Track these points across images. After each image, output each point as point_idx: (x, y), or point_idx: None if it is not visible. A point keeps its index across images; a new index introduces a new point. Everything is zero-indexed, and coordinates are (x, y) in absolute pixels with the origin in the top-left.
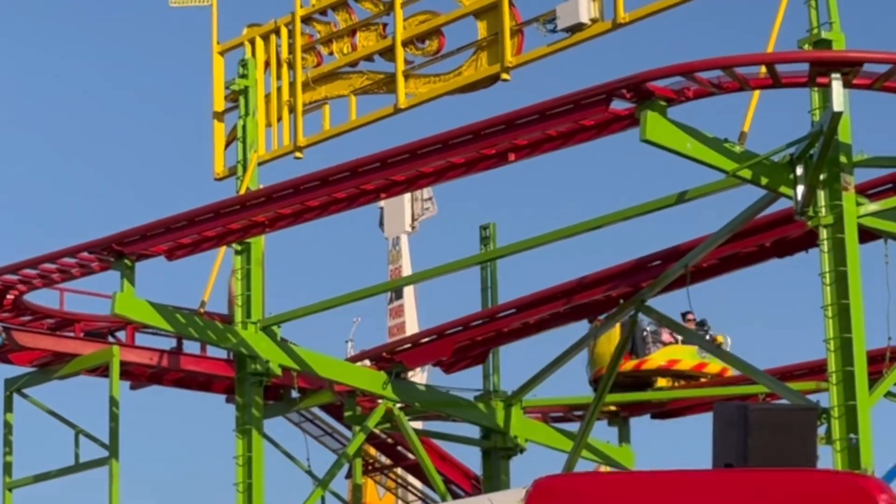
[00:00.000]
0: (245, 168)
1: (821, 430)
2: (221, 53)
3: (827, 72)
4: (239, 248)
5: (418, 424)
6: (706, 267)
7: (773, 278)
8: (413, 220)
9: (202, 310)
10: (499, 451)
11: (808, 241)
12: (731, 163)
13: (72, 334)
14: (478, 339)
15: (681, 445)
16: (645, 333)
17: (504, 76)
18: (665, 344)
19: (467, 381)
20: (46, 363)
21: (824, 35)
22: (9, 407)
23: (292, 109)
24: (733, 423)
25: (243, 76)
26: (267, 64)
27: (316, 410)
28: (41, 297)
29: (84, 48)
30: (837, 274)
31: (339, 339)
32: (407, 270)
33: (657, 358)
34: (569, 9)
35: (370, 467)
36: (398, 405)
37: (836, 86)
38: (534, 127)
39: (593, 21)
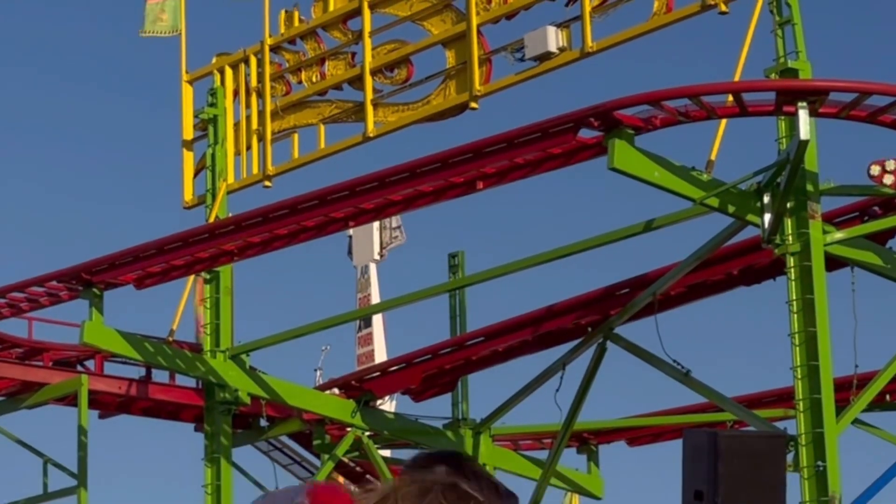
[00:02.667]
0: (214, 196)
1: (788, 458)
2: (190, 82)
3: (793, 100)
4: (208, 276)
5: (387, 453)
6: (674, 295)
7: (741, 306)
8: (382, 248)
9: (171, 338)
10: None
11: (776, 269)
12: (699, 191)
13: (40, 363)
14: (446, 367)
15: (650, 472)
16: None
17: (472, 105)
18: None
19: (436, 410)
20: (15, 392)
21: (791, 64)
22: None
23: (261, 138)
24: (703, 450)
25: (212, 105)
26: (236, 93)
27: (285, 439)
28: (9, 327)
29: (52, 76)
30: (804, 302)
31: (307, 368)
32: (375, 298)
33: None
34: (537, 38)
35: None
36: (367, 433)
37: (803, 114)
38: (502, 155)
39: (561, 50)
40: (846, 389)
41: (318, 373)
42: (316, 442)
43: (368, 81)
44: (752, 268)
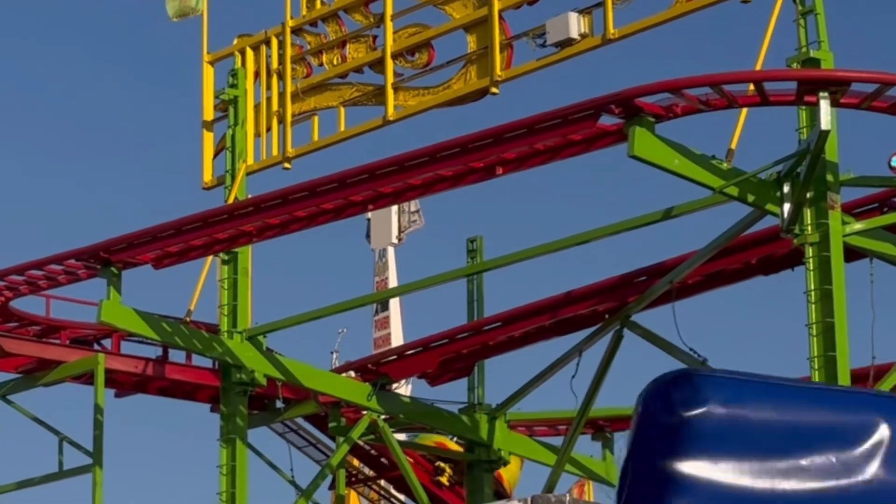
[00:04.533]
0: (233, 177)
1: None
2: (211, 63)
3: (815, 90)
4: (226, 257)
5: (402, 436)
6: (692, 283)
7: (759, 296)
8: (400, 232)
9: (188, 319)
10: (482, 463)
11: (794, 258)
12: (718, 180)
13: (57, 341)
14: (463, 351)
15: None
16: None
17: (493, 90)
18: None
19: (452, 394)
20: (31, 370)
21: (813, 54)
22: None
23: (281, 120)
24: None
25: (233, 86)
26: (257, 74)
27: (300, 421)
28: (27, 304)
29: (73, 54)
30: (822, 292)
31: (324, 350)
32: (393, 282)
33: None
34: (558, 24)
35: (353, 479)
36: (382, 417)
37: (824, 104)
38: (522, 141)
39: (583, 36)
40: (863, 381)
41: (335, 355)
42: (331, 424)
43: (389, 65)
44: (770, 257)
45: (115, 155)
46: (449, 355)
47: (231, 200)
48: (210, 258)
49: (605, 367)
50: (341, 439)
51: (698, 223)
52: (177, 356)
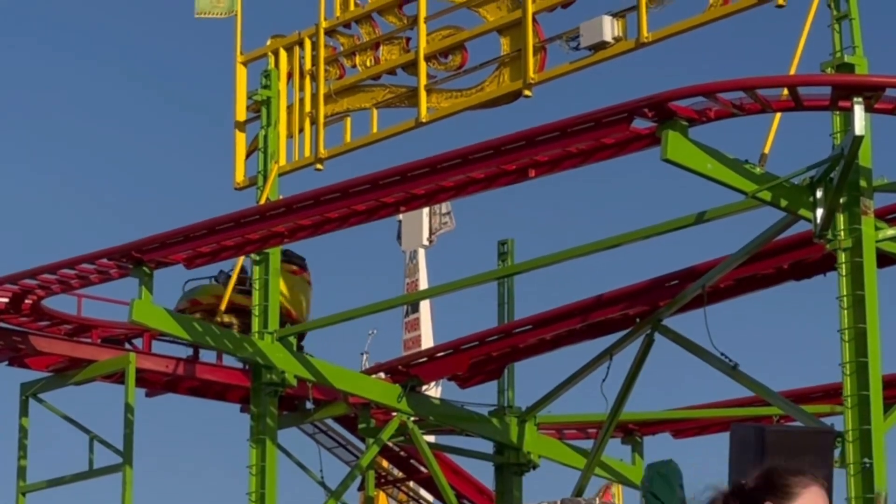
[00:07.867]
0: (266, 178)
1: (835, 454)
2: (245, 64)
3: (849, 96)
4: (257, 258)
5: (431, 438)
6: (724, 288)
7: (790, 301)
8: (431, 234)
9: (219, 319)
10: (512, 466)
11: (826, 264)
12: (751, 184)
13: (89, 340)
14: (493, 354)
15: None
16: None
17: (526, 92)
18: None
19: (482, 396)
20: (63, 368)
21: (847, 59)
22: (24, 411)
23: (314, 121)
24: (749, 445)
25: (266, 87)
26: (290, 75)
27: (330, 422)
28: (59, 303)
29: (107, 55)
30: (855, 298)
31: (354, 351)
32: (423, 284)
33: None
34: (592, 27)
35: (383, 480)
36: (412, 418)
37: (858, 110)
38: (555, 144)
39: (616, 40)
40: (894, 387)
41: (365, 357)
42: (361, 426)
43: (422, 67)
44: (802, 262)
45: (148, 155)
46: (479, 357)
47: (263, 201)
48: (241, 258)
49: (635, 371)
50: (371, 440)
51: (731, 227)
52: (207, 356)
